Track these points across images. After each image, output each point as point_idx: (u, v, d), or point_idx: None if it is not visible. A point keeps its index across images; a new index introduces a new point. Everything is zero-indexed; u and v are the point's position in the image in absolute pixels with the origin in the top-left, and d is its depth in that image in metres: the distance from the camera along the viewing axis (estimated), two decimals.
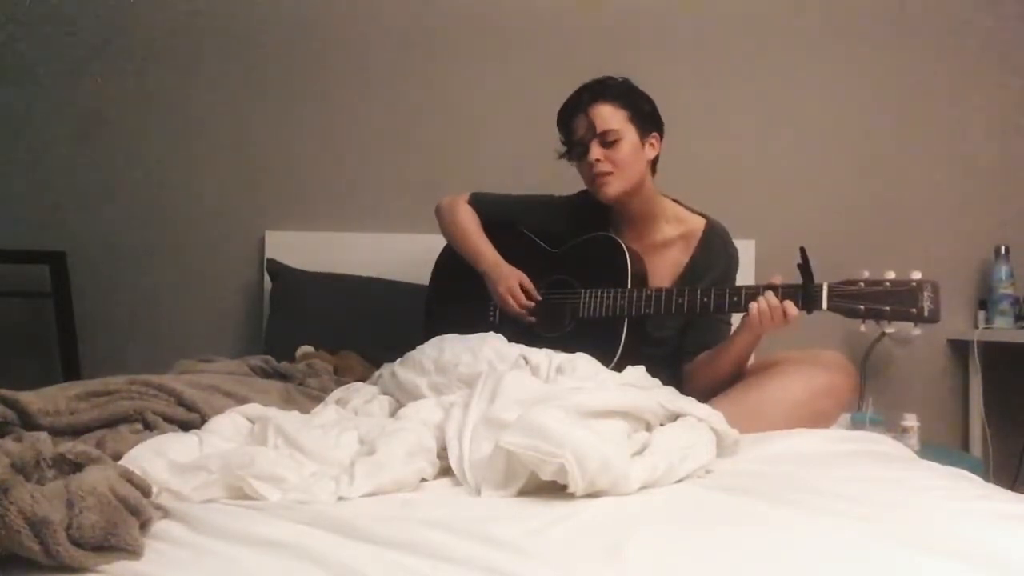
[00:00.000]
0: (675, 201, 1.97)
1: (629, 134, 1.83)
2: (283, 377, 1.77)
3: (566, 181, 1.98)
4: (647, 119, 1.87)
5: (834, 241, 2.49)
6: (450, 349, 1.56)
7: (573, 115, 1.87)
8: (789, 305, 1.58)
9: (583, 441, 1.08)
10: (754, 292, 1.65)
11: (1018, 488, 2.36)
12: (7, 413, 1.21)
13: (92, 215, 2.63)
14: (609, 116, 1.83)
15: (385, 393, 1.59)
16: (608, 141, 1.82)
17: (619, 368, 1.55)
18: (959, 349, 2.68)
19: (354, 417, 1.46)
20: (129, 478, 0.93)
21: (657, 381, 1.53)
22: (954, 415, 2.68)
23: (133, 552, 0.85)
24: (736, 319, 1.79)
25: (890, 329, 1.59)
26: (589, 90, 1.87)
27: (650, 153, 1.88)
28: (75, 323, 2.51)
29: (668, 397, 1.40)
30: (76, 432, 1.26)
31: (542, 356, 1.51)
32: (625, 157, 1.83)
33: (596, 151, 1.82)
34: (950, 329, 2.65)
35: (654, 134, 1.88)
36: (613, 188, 1.84)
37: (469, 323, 1.75)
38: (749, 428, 1.46)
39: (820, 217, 2.65)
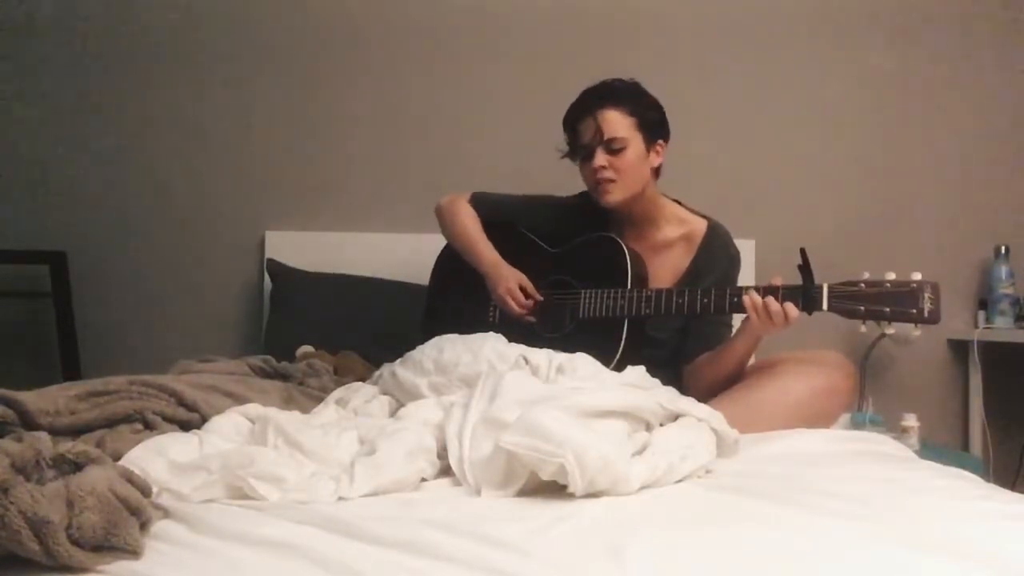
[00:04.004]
0: (676, 202, 1.97)
1: (635, 142, 1.82)
2: (283, 377, 1.77)
3: (568, 182, 1.98)
4: (655, 127, 1.85)
5: (834, 241, 2.50)
6: (450, 349, 1.56)
7: (580, 117, 1.85)
8: (789, 306, 1.58)
9: (583, 441, 1.08)
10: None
11: (1018, 488, 2.36)
12: (7, 413, 1.21)
13: (92, 215, 2.63)
14: (616, 123, 1.81)
15: (385, 393, 1.59)
16: (614, 148, 1.81)
17: (619, 369, 1.54)
18: (959, 349, 2.68)
19: (354, 417, 1.46)
20: (129, 478, 0.93)
21: (657, 381, 1.53)
22: (954, 415, 2.68)
23: (133, 552, 0.85)
24: (736, 321, 1.79)
25: (890, 330, 1.59)
26: (598, 93, 1.85)
27: (655, 160, 1.87)
28: (75, 323, 2.51)
29: (668, 397, 1.39)
30: (76, 432, 1.26)
31: (542, 356, 1.51)
32: (629, 165, 1.82)
33: (601, 158, 1.81)
34: (950, 329, 2.65)
35: (660, 141, 1.87)
36: (615, 196, 1.84)
37: (469, 323, 1.75)
38: (749, 428, 1.46)
39: (820, 217, 2.65)
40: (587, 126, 1.84)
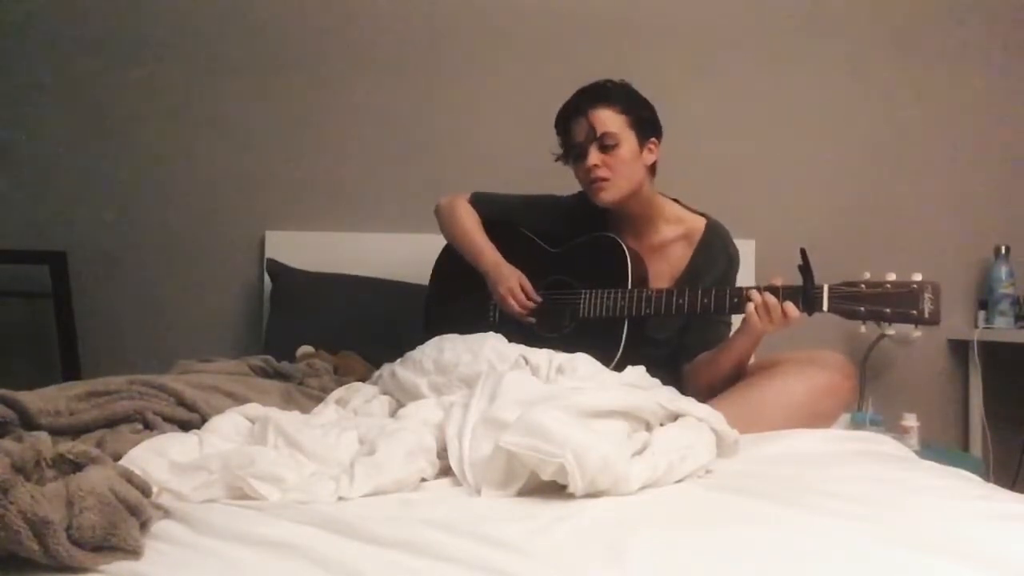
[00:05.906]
0: (675, 201, 1.97)
1: (628, 139, 1.83)
2: (283, 377, 1.77)
3: (566, 182, 1.98)
4: (646, 125, 1.86)
5: (834, 241, 2.50)
6: (450, 349, 1.56)
7: (572, 118, 1.86)
8: (790, 306, 1.58)
9: (583, 441, 1.08)
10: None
11: (1018, 488, 2.36)
12: (7, 413, 1.21)
13: (92, 215, 2.63)
14: (609, 120, 1.82)
15: (385, 393, 1.59)
16: (607, 145, 1.81)
17: (619, 368, 1.55)
18: (959, 349, 2.68)
19: (354, 417, 1.46)
20: (129, 478, 0.93)
21: (657, 381, 1.53)
22: (954, 415, 2.69)
23: (133, 552, 0.85)
24: (736, 321, 1.79)
25: (890, 330, 1.59)
26: (589, 93, 1.86)
27: (648, 158, 1.87)
28: (75, 323, 2.51)
29: (668, 397, 1.39)
30: (76, 432, 1.26)
31: (542, 356, 1.51)
32: (623, 162, 1.82)
33: (594, 156, 1.82)
34: (950, 329, 2.65)
35: (653, 139, 1.88)
36: (610, 194, 1.84)
37: (469, 323, 1.75)
38: (749, 428, 1.45)
39: (820, 217, 2.65)
40: (579, 125, 1.84)
